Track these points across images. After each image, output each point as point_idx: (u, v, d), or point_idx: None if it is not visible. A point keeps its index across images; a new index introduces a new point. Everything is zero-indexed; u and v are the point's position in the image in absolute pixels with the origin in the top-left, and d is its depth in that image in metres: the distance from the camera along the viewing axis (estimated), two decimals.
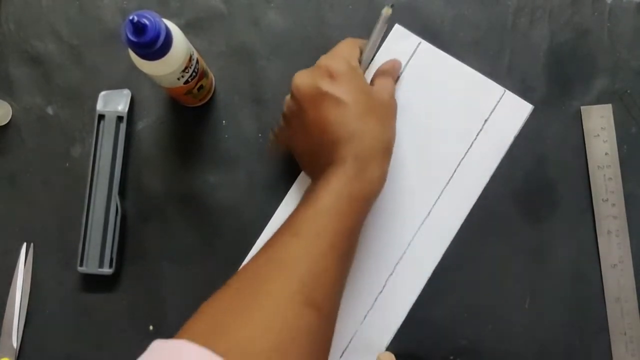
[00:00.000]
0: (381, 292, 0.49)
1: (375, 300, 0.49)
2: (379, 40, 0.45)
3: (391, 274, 0.49)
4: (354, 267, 0.43)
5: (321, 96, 0.41)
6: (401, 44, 0.52)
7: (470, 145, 0.51)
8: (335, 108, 0.41)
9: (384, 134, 0.42)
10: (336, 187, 0.39)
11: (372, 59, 0.45)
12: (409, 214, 0.50)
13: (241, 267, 0.40)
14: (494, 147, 0.51)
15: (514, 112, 0.51)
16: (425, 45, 0.52)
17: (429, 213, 0.50)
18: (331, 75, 0.42)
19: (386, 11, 0.45)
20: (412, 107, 0.51)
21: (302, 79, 0.43)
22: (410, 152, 0.51)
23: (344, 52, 0.45)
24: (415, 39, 0.52)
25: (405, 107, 0.50)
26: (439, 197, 0.50)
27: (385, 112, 0.44)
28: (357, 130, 0.41)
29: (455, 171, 0.50)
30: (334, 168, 0.40)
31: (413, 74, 0.51)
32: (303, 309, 0.35)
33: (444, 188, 0.50)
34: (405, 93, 0.51)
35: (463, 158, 0.51)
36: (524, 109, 0.51)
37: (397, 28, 0.52)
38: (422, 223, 0.50)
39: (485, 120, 0.51)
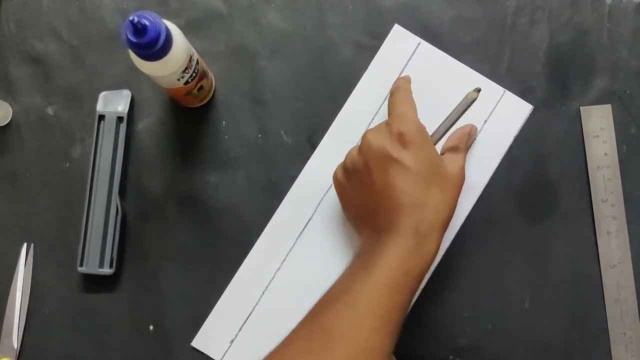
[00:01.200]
0: None
1: None
2: (457, 120, 0.44)
3: None
4: None
5: (391, 160, 0.40)
6: (401, 44, 0.52)
7: (470, 146, 0.51)
8: (403, 175, 0.40)
9: (447, 207, 0.41)
10: (394, 260, 0.38)
11: (444, 134, 0.44)
12: None
13: (295, 328, 0.40)
14: (493, 148, 0.51)
15: (513, 112, 0.51)
16: (425, 46, 0.52)
17: None
18: (403, 142, 0.41)
19: (471, 95, 0.43)
20: None
21: (375, 138, 0.42)
22: None
23: (411, 112, 0.44)
24: (415, 39, 0.52)
25: None
26: None
27: (451, 185, 0.42)
28: (421, 201, 0.40)
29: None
30: (394, 238, 0.39)
31: (413, 74, 0.51)
32: None
33: None
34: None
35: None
36: (523, 109, 0.51)
37: (397, 28, 0.52)
38: None
39: (485, 121, 0.51)
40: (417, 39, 0.52)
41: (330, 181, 0.50)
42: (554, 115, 0.51)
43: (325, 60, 0.52)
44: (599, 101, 0.51)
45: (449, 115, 0.44)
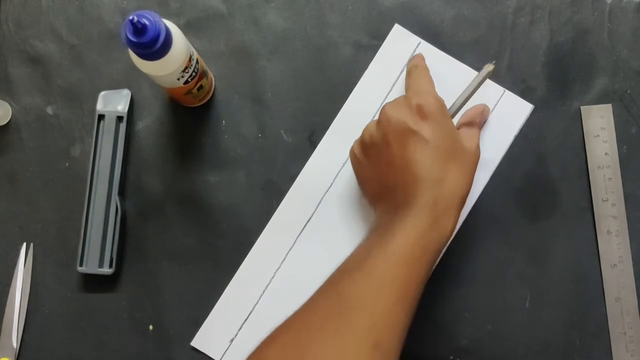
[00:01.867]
0: None
1: None
2: (472, 94, 0.44)
3: None
4: None
5: (410, 133, 0.40)
6: (401, 44, 0.52)
7: None
8: (422, 148, 0.40)
9: (465, 183, 0.41)
10: (412, 233, 0.38)
11: (460, 109, 0.44)
12: None
13: (313, 295, 0.40)
14: (494, 147, 0.51)
15: (514, 111, 0.51)
16: (425, 45, 0.52)
17: None
18: (422, 114, 0.41)
19: (488, 67, 0.43)
20: None
21: (394, 111, 0.42)
22: None
23: (430, 87, 0.44)
24: (414, 38, 0.52)
25: None
26: None
27: (468, 161, 0.42)
28: (440, 176, 0.40)
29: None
30: (412, 211, 0.39)
31: None
32: (372, 354, 0.36)
33: None
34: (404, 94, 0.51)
35: None
36: (524, 108, 0.51)
37: (397, 28, 0.52)
38: None
39: (485, 120, 0.51)
40: (417, 39, 0.52)
41: (331, 180, 0.50)
42: (554, 115, 0.51)
43: (325, 60, 0.52)
44: (599, 101, 0.51)
45: (465, 89, 0.44)
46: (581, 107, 0.51)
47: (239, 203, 0.51)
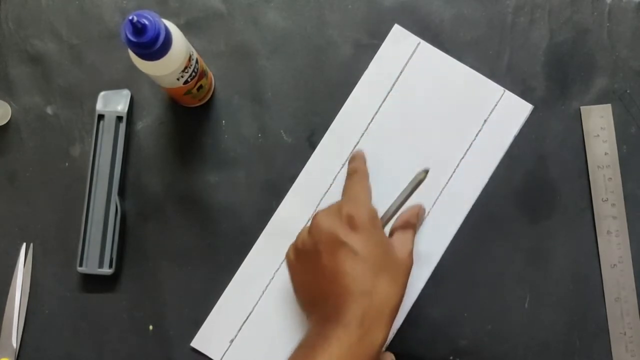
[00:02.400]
0: None
1: None
2: (406, 200, 0.44)
3: None
4: None
5: (339, 244, 0.40)
6: (400, 44, 0.52)
7: (470, 146, 0.51)
8: (351, 260, 0.39)
9: (395, 295, 0.40)
10: (335, 352, 0.37)
11: (394, 215, 0.44)
12: None
13: None
14: (493, 147, 0.51)
15: (513, 112, 0.51)
16: (425, 46, 0.52)
17: (428, 213, 0.50)
18: (353, 225, 0.40)
19: (419, 176, 0.43)
20: (411, 107, 0.51)
21: (324, 220, 0.41)
22: (410, 153, 0.51)
23: (364, 196, 0.44)
24: (414, 39, 0.52)
25: (405, 108, 0.50)
26: (438, 198, 0.50)
27: (400, 271, 0.41)
28: (369, 289, 0.39)
29: (454, 171, 0.50)
30: (337, 329, 0.38)
31: (412, 74, 0.51)
32: None
33: (443, 188, 0.50)
34: (405, 93, 0.51)
35: (462, 158, 0.51)
36: (523, 108, 0.51)
37: (397, 28, 0.52)
38: (422, 223, 0.50)
39: (485, 121, 0.51)
40: (417, 39, 0.52)
41: (330, 180, 0.50)
42: (554, 115, 0.51)
43: (325, 60, 0.52)
44: (599, 101, 0.51)
45: (399, 195, 0.44)
46: (581, 107, 0.51)
47: (239, 203, 0.51)
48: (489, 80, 0.51)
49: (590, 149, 0.50)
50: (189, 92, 0.47)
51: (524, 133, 0.51)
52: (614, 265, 0.50)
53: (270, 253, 0.50)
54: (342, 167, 0.51)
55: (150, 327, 0.50)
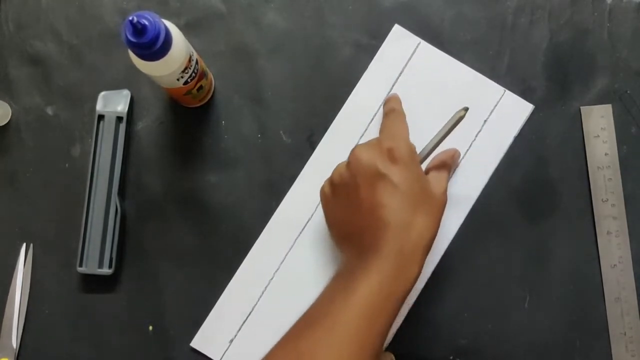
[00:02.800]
0: None
1: None
2: (444, 139, 0.44)
3: None
4: None
5: (379, 176, 0.40)
6: (401, 44, 0.52)
7: (470, 145, 0.51)
8: (390, 192, 0.40)
9: (431, 230, 0.40)
10: (376, 282, 0.38)
11: (430, 153, 0.44)
12: None
13: (272, 350, 0.39)
14: (493, 147, 0.51)
15: (514, 112, 0.51)
16: (425, 45, 0.52)
17: None
18: (392, 158, 0.41)
19: (459, 113, 0.43)
20: (411, 107, 0.51)
21: (364, 153, 0.42)
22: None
23: (403, 132, 0.44)
24: (414, 39, 0.52)
25: (405, 107, 0.50)
26: None
27: (435, 207, 0.42)
28: (407, 222, 0.39)
29: (454, 172, 0.50)
30: (376, 259, 0.38)
31: (413, 74, 0.51)
32: None
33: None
34: (405, 93, 0.51)
35: (463, 158, 0.50)
36: (524, 108, 0.51)
37: (397, 28, 0.52)
38: None
39: (485, 121, 0.51)
40: (417, 39, 0.52)
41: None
42: (554, 115, 0.51)
43: (325, 60, 0.52)
44: (599, 101, 0.51)
45: (437, 133, 0.44)
46: (581, 107, 0.51)
47: (239, 203, 0.51)
48: (490, 80, 0.51)
49: (590, 149, 0.50)
50: (189, 92, 0.47)
51: (524, 133, 0.51)
52: (614, 265, 0.50)
53: (270, 253, 0.50)
54: None
55: (150, 327, 0.50)
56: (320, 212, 0.50)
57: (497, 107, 0.51)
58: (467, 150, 0.51)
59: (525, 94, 0.51)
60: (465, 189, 0.50)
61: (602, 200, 0.50)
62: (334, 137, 0.51)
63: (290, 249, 0.50)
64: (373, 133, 0.51)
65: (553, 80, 0.51)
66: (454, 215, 0.50)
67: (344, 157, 0.50)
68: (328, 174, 0.49)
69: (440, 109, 0.51)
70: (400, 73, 0.51)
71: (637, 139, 0.51)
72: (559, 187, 0.51)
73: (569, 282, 0.50)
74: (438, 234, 0.46)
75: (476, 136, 0.51)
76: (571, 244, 0.50)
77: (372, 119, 0.51)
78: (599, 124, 0.50)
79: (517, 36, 0.52)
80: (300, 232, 0.50)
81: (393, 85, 0.51)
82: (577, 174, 0.51)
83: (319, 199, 0.50)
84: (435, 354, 0.49)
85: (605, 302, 0.49)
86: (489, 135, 0.51)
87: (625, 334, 0.49)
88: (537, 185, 0.51)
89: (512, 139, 0.51)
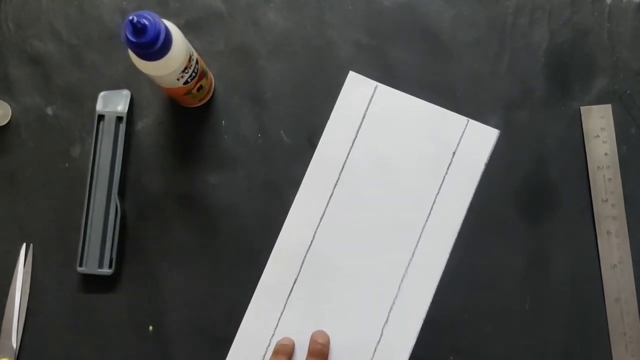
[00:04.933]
0: (379, 341, 0.49)
1: (375, 351, 0.49)
2: None
3: (386, 322, 0.49)
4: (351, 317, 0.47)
5: None
6: (358, 90, 0.51)
7: (443, 180, 0.50)
8: None
9: None
10: None
11: None
12: (394, 258, 0.50)
13: None
14: (466, 177, 0.50)
15: (480, 139, 0.50)
16: (382, 88, 0.51)
17: (413, 254, 0.50)
18: None
19: None
20: (378, 151, 0.50)
21: None
22: (384, 197, 0.50)
23: None
24: (371, 83, 0.51)
25: (372, 152, 0.50)
26: (420, 237, 0.50)
27: None
28: None
29: (432, 208, 0.50)
30: None
31: (375, 119, 0.51)
32: None
33: (424, 227, 0.50)
34: (370, 138, 0.51)
35: (438, 193, 0.50)
36: (490, 134, 0.50)
37: (352, 75, 0.51)
38: (408, 265, 0.49)
39: (454, 153, 0.50)
40: (374, 83, 0.51)
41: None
42: (554, 115, 0.51)
43: (325, 60, 0.52)
44: (599, 101, 0.51)
45: None
46: (581, 107, 0.51)
47: (239, 203, 0.51)
48: (451, 112, 0.50)
49: (590, 149, 0.50)
50: (189, 92, 0.47)
51: (525, 133, 0.51)
52: (614, 265, 0.50)
53: (277, 285, 0.50)
54: (319, 220, 0.50)
55: (150, 327, 0.50)
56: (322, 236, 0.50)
57: (463, 137, 0.50)
58: (441, 185, 0.50)
59: (525, 93, 0.51)
60: (444, 224, 0.50)
61: (602, 200, 0.50)
62: (307, 192, 0.51)
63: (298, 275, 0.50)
64: (346, 182, 0.50)
65: (553, 80, 0.51)
66: (438, 253, 0.50)
67: (318, 213, 0.50)
68: (305, 230, 0.49)
69: (407, 149, 0.51)
70: (362, 119, 0.51)
71: (637, 139, 0.51)
72: (559, 188, 0.51)
73: (568, 282, 0.50)
74: (426, 274, 0.47)
75: (447, 169, 0.50)
76: (571, 244, 0.50)
77: (342, 170, 0.51)
78: (598, 124, 0.50)
79: (517, 36, 0.52)
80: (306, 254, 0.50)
81: (357, 132, 0.51)
82: (577, 174, 0.51)
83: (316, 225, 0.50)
84: (436, 354, 0.49)
85: (605, 303, 0.49)
86: (459, 167, 0.50)
87: (625, 334, 0.49)
88: (536, 185, 0.51)
89: (484, 167, 0.50)
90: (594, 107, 0.51)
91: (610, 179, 0.50)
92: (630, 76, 0.51)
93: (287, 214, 0.51)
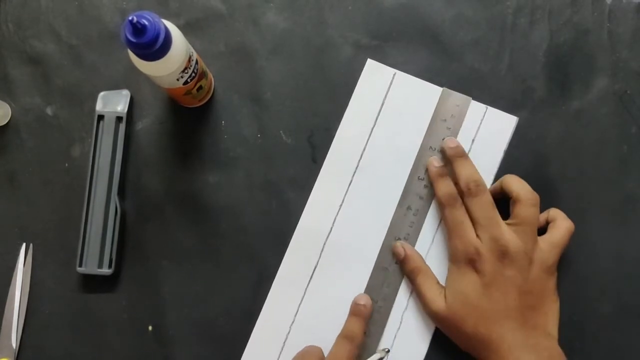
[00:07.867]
0: (399, 328, 0.49)
1: (395, 338, 0.49)
2: None
3: (405, 308, 0.49)
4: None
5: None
6: (376, 78, 0.51)
7: None
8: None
9: None
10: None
11: None
12: (413, 244, 0.49)
13: None
14: (486, 165, 0.50)
15: (499, 126, 0.50)
16: (401, 75, 0.51)
17: (433, 240, 0.49)
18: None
19: (380, 354, 0.47)
20: (398, 139, 0.50)
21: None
22: (403, 183, 0.50)
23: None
24: (389, 70, 0.51)
25: (391, 139, 0.50)
26: (439, 223, 0.49)
27: None
28: None
29: None
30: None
31: (394, 106, 0.51)
32: None
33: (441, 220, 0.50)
34: (389, 125, 0.51)
35: None
36: (509, 121, 0.50)
37: (370, 62, 0.51)
38: (427, 252, 0.49)
39: (473, 140, 0.50)
40: (392, 70, 0.51)
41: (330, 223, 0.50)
42: (554, 115, 0.51)
43: (325, 60, 0.52)
44: (599, 101, 0.51)
45: None
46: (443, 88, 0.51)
47: (239, 203, 0.51)
48: (470, 99, 0.50)
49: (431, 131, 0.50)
50: (188, 92, 0.47)
51: (524, 133, 0.51)
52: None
53: (295, 278, 0.50)
54: (339, 208, 0.50)
55: (150, 327, 0.50)
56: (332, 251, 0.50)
57: (482, 124, 0.50)
58: None
59: (525, 93, 0.51)
60: None
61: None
62: (327, 179, 0.51)
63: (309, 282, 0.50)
64: (365, 169, 0.50)
65: (553, 81, 0.51)
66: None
67: (339, 198, 0.50)
68: (325, 216, 0.49)
69: (424, 134, 0.50)
70: (382, 106, 0.51)
71: (637, 139, 0.51)
72: (559, 187, 0.50)
73: (568, 282, 0.50)
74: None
75: None
76: (570, 244, 0.50)
77: (361, 156, 0.51)
78: (449, 112, 0.50)
79: (517, 36, 0.52)
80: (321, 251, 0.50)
81: (376, 119, 0.51)
82: (577, 174, 0.51)
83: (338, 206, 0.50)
84: (436, 354, 0.49)
85: (605, 303, 0.49)
86: (479, 154, 0.50)
87: None
88: (536, 185, 0.50)
89: (503, 154, 0.50)
90: (454, 92, 0.50)
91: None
92: (630, 76, 0.51)
93: (287, 214, 0.51)
